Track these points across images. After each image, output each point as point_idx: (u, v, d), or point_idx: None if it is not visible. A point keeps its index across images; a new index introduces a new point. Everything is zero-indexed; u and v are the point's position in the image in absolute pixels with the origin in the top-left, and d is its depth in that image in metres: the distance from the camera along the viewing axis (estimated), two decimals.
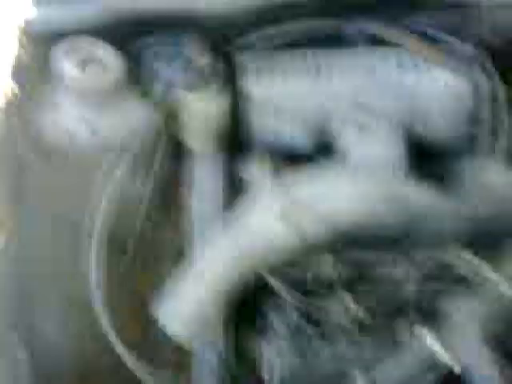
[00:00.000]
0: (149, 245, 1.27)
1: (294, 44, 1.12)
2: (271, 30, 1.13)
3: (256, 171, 1.05)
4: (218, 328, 0.94)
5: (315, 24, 1.14)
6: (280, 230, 0.94)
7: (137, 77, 1.15)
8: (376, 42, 1.13)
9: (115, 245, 1.21)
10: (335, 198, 0.96)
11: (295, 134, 1.12)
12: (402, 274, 0.97)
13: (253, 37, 1.14)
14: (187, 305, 0.92)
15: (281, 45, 1.13)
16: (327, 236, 0.97)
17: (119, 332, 0.98)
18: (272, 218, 0.94)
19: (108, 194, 1.02)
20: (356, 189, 0.96)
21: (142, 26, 1.15)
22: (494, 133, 1.09)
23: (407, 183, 0.99)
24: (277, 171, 1.04)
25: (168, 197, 1.28)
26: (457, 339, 0.94)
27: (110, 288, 1.15)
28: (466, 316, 0.92)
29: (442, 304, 0.96)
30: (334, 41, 1.13)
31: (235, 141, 1.20)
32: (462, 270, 1.01)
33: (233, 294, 0.95)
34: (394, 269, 0.98)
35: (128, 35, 1.15)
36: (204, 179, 1.10)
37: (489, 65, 1.09)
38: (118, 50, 1.12)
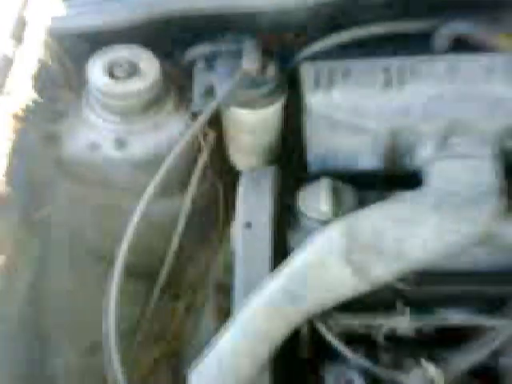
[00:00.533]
0: (182, 276, 1.11)
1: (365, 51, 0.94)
2: (339, 36, 0.97)
3: (313, 200, 0.86)
4: None
5: (393, 26, 0.95)
6: (343, 273, 0.75)
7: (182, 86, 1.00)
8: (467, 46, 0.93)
9: (143, 275, 1.05)
10: (412, 237, 0.76)
11: (360, 152, 0.94)
12: (498, 333, 0.76)
13: (318, 44, 0.97)
14: (225, 368, 0.73)
15: (350, 52, 0.96)
16: (398, 277, 0.79)
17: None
18: (334, 260, 0.76)
19: (136, 218, 0.86)
20: (440, 226, 0.76)
21: (179, 29, 1.00)
22: None
23: (506, 219, 0.78)
24: (337, 196, 0.85)
25: (207, 222, 1.13)
26: None
27: (132, 328, 0.99)
28: None
29: None
30: (415, 45, 0.93)
31: (289, 158, 1.04)
32: None
33: (280, 350, 0.77)
34: (487, 326, 0.77)
35: (164, 38, 1.00)
36: (250, 201, 0.90)
37: None
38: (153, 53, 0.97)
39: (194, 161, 1.02)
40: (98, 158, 0.95)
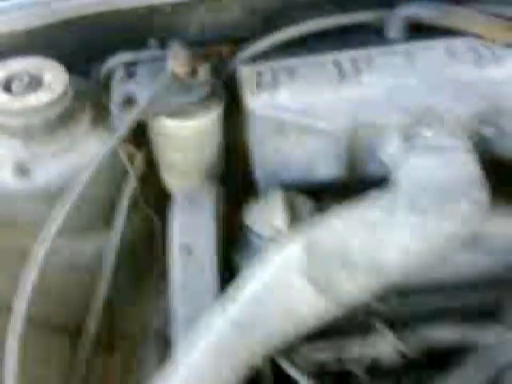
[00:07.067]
0: (117, 325, 0.92)
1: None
2: (281, 34, 0.84)
3: (264, 214, 0.72)
4: None
5: (342, 17, 0.83)
6: (306, 294, 0.59)
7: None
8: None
9: (66, 328, 0.87)
10: (388, 242, 0.61)
11: (316, 160, 0.80)
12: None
13: (256, 45, 0.84)
14: None
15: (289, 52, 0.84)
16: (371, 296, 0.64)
17: None
18: (293, 279, 0.60)
19: (38, 259, 0.67)
20: (420, 226, 0.62)
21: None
22: None
23: (488, 217, 0.65)
24: (293, 209, 0.71)
25: (143, 261, 0.95)
26: None
27: None
28: None
29: None
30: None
31: (232, 175, 0.89)
32: None
33: None
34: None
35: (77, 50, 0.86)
36: (188, 223, 0.76)
37: None
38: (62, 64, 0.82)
39: (119, 188, 0.86)
40: None
